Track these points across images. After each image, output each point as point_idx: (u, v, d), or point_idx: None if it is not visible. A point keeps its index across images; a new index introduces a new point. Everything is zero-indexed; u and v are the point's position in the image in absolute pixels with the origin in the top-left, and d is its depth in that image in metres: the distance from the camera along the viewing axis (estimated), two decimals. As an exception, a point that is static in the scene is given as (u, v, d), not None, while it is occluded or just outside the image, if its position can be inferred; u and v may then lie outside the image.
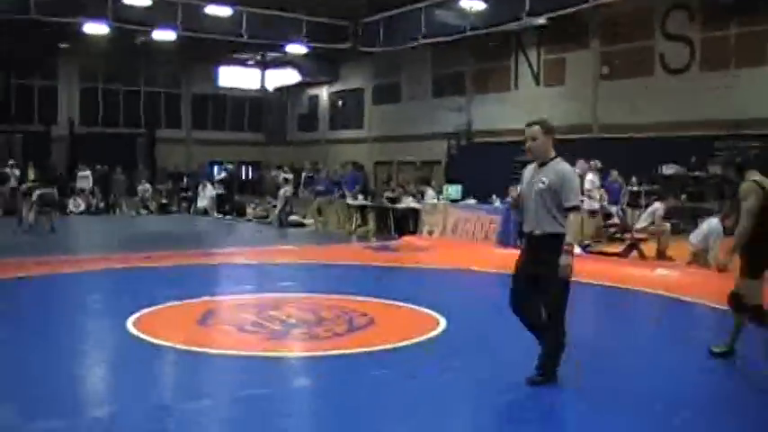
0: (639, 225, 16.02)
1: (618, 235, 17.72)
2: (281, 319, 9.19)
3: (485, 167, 24.86)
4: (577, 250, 16.13)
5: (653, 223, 15.49)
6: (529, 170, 6.64)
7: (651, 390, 6.53)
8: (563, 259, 6.21)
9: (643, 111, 22.85)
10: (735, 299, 7.45)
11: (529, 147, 6.57)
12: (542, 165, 6.50)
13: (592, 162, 17.90)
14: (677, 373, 7.20)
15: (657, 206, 15.76)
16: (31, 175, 28.43)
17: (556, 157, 6.52)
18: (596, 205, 17.57)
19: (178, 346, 7.82)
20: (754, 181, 7.33)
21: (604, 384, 6.72)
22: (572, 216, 6.31)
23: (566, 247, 6.23)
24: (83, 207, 28.30)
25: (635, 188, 21.01)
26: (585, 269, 13.88)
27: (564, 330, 6.51)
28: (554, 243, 6.27)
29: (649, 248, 15.42)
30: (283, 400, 6.33)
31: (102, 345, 8.34)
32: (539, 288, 6.45)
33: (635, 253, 15.45)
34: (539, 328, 6.60)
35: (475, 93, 29.86)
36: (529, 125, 6.64)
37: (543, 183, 6.38)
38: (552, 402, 6.24)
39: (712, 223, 13.82)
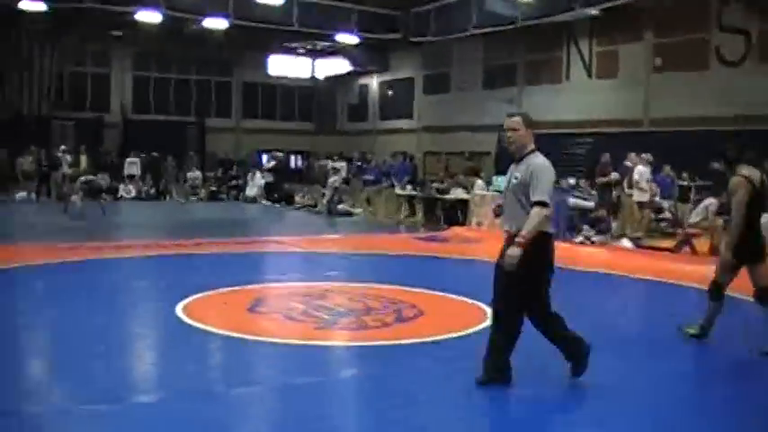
0: (692, 220, 15.78)
1: (670, 230, 17.49)
2: (330, 308, 9.19)
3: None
4: (628, 244, 16.11)
5: (706, 218, 15.25)
6: (511, 167, 6.41)
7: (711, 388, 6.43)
8: (511, 250, 5.91)
9: (697, 104, 22.47)
10: (715, 287, 7.79)
11: (509, 138, 6.34)
12: (520, 160, 6.25)
13: (643, 155, 17.69)
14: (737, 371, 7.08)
15: (711, 201, 15.49)
16: (83, 161, 28.84)
17: (533, 151, 6.24)
18: (645, 198, 17.32)
19: (227, 333, 7.85)
20: (743, 175, 7.56)
21: (651, 385, 6.62)
22: (535, 210, 5.93)
23: (518, 239, 5.90)
24: (134, 193, 28.63)
25: (686, 183, 20.67)
26: (636, 264, 13.80)
27: (512, 325, 6.24)
28: (533, 241, 5.96)
29: (702, 244, 15.18)
30: (331, 388, 6.33)
31: (152, 330, 8.42)
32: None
33: (687, 248, 15.23)
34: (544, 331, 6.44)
35: (526, 84, 29.60)
36: (510, 116, 6.48)
37: (516, 178, 6.17)
38: (596, 399, 6.15)
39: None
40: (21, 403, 5.69)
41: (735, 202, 7.55)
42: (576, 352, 6.34)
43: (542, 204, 5.93)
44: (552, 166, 6.19)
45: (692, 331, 8.03)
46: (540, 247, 6.00)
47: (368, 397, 6.21)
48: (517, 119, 6.35)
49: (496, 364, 6.22)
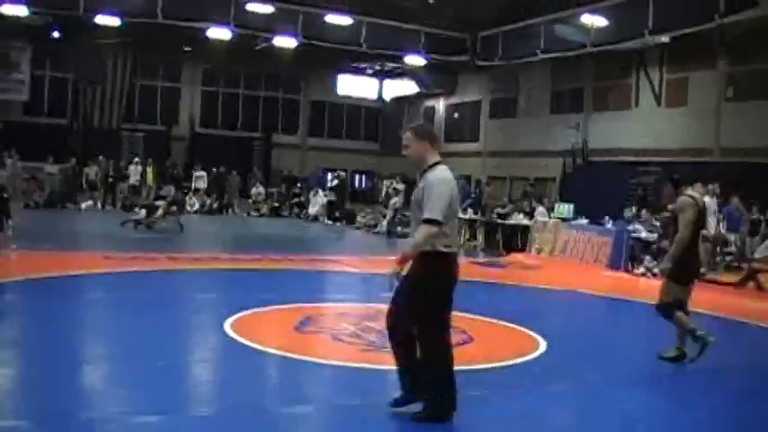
0: (758, 255, 15.35)
1: (735, 264, 17.06)
2: (379, 330, 9.07)
3: (599, 187, 24.30)
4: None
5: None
6: None
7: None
8: (389, 264, 5.66)
9: (767, 135, 21.92)
10: (666, 308, 8.19)
11: (405, 153, 6.00)
12: (421, 175, 5.90)
13: (710, 186, 17.23)
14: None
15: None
16: (150, 173, 29.30)
17: (434, 165, 5.85)
18: (710, 231, 16.83)
19: (274, 351, 7.80)
20: (689, 195, 8.22)
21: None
22: (421, 228, 5.58)
23: (398, 256, 5.68)
24: (197, 206, 28.93)
25: (756, 216, 20.06)
26: (698, 298, 13.43)
27: (438, 359, 5.86)
28: (422, 260, 5.65)
29: (768, 280, 14.77)
30: (374, 413, 6.20)
31: (201, 345, 8.41)
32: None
33: (752, 284, 14.81)
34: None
35: (593, 110, 29.25)
36: (405, 130, 6.07)
37: (415, 194, 5.86)
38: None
39: None
40: (75, 409, 5.75)
41: (684, 220, 8.08)
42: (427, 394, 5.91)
43: (431, 222, 5.56)
44: (450, 180, 5.79)
45: (668, 355, 8.27)
46: (431, 267, 5.67)
47: (410, 423, 6.08)
48: (408, 133, 5.97)
49: (407, 384, 5.96)
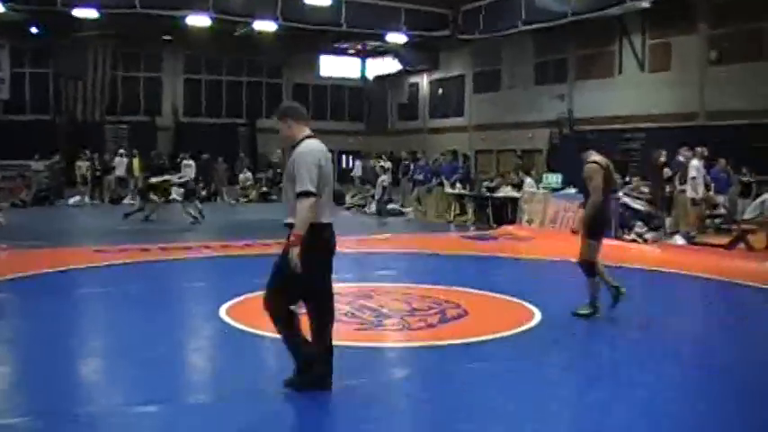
0: (747, 216, 15.40)
1: (724, 226, 17.12)
2: (374, 308, 9.11)
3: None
4: (681, 241, 15.78)
5: (761, 214, 14.88)
6: None
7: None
8: (291, 252, 5.62)
9: (754, 97, 21.93)
10: (591, 267, 8.70)
11: (280, 141, 6.14)
12: (291, 151, 5.93)
13: (697, 149, 17.27)
14: None
15: (766, 197, 15.16)
16: (137, 164, 29.20)
17: (303, 139, 5.89)
18: (699, 193, 16.86)
19: (269, 335, 7.79)
20: (594, 161, 8.70)
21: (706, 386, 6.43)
22: (299, 203, 5.61)
23: (291, 239, 5.65)
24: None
25: (747, 178, 20.09)
26: (689, 261, 13.52)
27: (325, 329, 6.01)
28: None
29: (758, 240, 14.81)
30: (374, 391, 6.23)
31: (197, 333, 8.41)
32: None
33: (742, 245, 14.86)
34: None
35: (577, 80, 29.24)
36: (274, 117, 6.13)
37: (286, 170, 5.91)
38: (651, 398, 5.96)
39: None
40: (73, 404, 5.76)
41: (592, 186, 8.64)
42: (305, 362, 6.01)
43: (305, 194, 5.59)
44: (316, 149, 5.82)
45: (583, 312, 8.66)
46: (308, 240, 5.67)
47: (412, 400, 6.12)
48: (275, 120, 6.06)
49: (301, 361, 6.00)
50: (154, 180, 21.24)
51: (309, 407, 5.90)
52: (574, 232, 9.10)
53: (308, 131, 5.98)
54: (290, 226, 5.73)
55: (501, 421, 5.53)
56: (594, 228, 8.79)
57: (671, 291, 11.74)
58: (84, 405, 5.78)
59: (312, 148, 5.80)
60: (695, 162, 16.86)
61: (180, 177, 21.63)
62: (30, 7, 26.91)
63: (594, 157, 8.83)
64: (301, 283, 5.79)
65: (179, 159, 28.90)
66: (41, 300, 9.76)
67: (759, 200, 15.38)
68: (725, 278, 11.85)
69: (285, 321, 6.02)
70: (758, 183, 19.44)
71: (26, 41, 31.19)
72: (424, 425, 5.54)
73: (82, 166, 28.43)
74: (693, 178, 16.61)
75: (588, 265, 8.76)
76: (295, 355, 6.02)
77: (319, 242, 5.80)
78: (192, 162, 29.41)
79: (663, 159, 17.95)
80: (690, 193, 16.69)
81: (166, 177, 21.33)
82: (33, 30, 29.99)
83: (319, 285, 5.96)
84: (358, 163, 36.82)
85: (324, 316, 6.03)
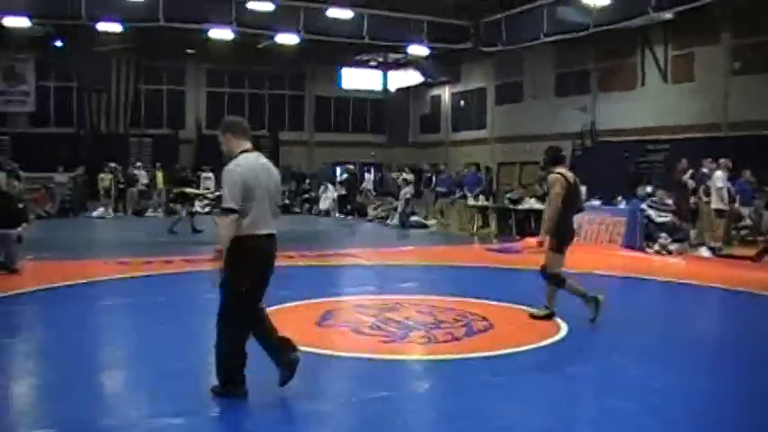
0: (768, 228, 15.31)
1: (750, 238, 16.98)
2: (399, 321, 9.07)
3: (610, 168, 24.25)
4: (706, 253, 15.66)
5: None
6: None
7: None
8: (212, 266, 5.83)
9: (778, 107, 21.79)
10: (554, 277, 9.03)
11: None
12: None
13: (721, 160, 17.15)
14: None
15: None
16: (160, 177, 29.33)
17: (239, 154, 6.00)
18: (723, 205, 16.73)
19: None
20: (558, 173, 9.01)
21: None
22: (220, 219, 5.86)
23: (214, 254, 5.83)
24: (208, 208, 28.94)
25: (771, 189, 19.89)
26: (714, 273, 13.40)
27: (228, 340, 6.07)
28: (231, 246, 5.80)
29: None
30: (400, 404, 6.20)
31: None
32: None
33: (769, 257, 14.75)
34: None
35: (599, 91, 29.16)
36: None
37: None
38: (681, 411, 5.90)
39: None
40: (97, 415, 5.76)
41: (552, 195, 9.00)
42: (281, 359, 6.17)
43: (225, 211, 5.77)
44: (246, 165, 5.89)
45: (540, 313, 9.12)
46: (236, 251, 5.80)
47: (437, 413, 6.08)
48: (218, 133, 6.15)
49: (226, 375, 6.10)
50: (188, 190, 21.29)
51: (334, 419, 5.89)
52: (540, 244, 9.24)
53: (246, 146, 6.08)
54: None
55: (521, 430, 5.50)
56: (558, 242, 9.03)
57: (697, 303, 11.64)
58: (109, 416, 5.77)
59: (238, 164, 5.89)
60: (719, 173, 16.76)
61: (213, 192, 21.62)
62: (54, 21, 27.18)
63: (560, 169, 9.18)
64: (234, 291, 5.94)
65: (200, 172, 29.04)
66: (66, 311, 9.79)
67: None
68: (752, 290, 11.73)
69: (256, 326, 6.21)
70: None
71: (51, 55, 31.50)
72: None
73: (105, 178, 28.57)
74: (719, 189, 16.49)
75: (550, 276, 9.08)
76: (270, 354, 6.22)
77: (252, 253, 5.91)
78: (211, 175, 29.51)
79: (687, 171, 17.82)
80: (715, 204, 16.57)
81: (201, 191, 21.38)
82: (58, 43, 30.26)
83: (244, 296, 6.02)
84: (368, 176, 36.81)
85: (241, 322, 6.10)
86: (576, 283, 9.20)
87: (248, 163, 5.93)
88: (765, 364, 7.55)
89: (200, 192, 21.56)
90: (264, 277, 6.10)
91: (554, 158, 9.47)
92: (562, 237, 9.05)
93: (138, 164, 30.06)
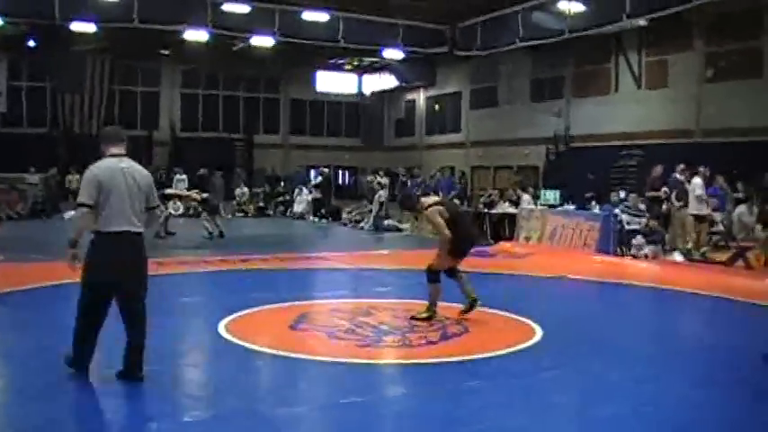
0: (737, 235, 15.43)
1: (722, 243, 17.10)
2: (374, 325, 9.06)
3: (584, 172, 24.37)
4: (680, 257, 15.75)
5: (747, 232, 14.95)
6: None
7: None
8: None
9: (750, 114, 21.97)
10: (434, 274, 9.35)
11: None
12: None
13: (701, 168, 17.25)
14: None
15: (742, 210, 15.30)
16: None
17: (105, 158, 6.67)
18: (704, 210, 16.81)
19: (269, 351, 7.76)
20: (430, 204, 9.49)
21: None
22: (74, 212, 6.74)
23: (70, 240, 6.42)
24: (182, 209, 28.72)
25: (742, 195, 20.05)
26: (687, 278, 13.49)
27: (78, 326, 6.62)
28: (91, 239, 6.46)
29: (758, 257, 14.80)
30: (376, 409, 6.19)
31: (194, 347, 8.34)
32: None
33: (741, 262, 14.86)
34: None
35: (574, 96, 29.29)
36: None
37: None
38: (655, 414, 5.92)
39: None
40: (71, 419, 5.76)
41: (436, 224, 9.29)
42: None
43: (78, 205, 6.42)
44: (102, 166, 6.53)
45: (423, 315, 9.23)
46: (91, 245, 6.44)
47: (412, 418, 6.06)
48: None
49: (75, 355, 6.64)
50: (167, 191, 21.14)
51: (308, 424, 5.87)
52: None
53: (113, 151, 6.68)
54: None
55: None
56: (455, 249, 9.36)
57: (672, 308, 11.70)
58: (82, 421, 5.72)
59: (99, 167, 6.51)
60: (698, 180, 16.82)
61: (198, 193, 21.38)
62: (27, 20, 26.90)
63: (429, 200, 9.79)
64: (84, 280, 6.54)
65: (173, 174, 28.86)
66: (38, 313, 9.70)
67: (735, 215, 15.49)
68: (725, 295, 11.80)
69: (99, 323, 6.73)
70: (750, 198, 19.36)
71: (24, 55, 31.23)
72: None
73: (73, 180, 28.32)
74: (698, 196, 16.58)
75: (432, 274, 9.36)
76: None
77: (100, 249, 6.44)
78: (184, 177, 29.33)
79: (662, 179, 17.90)
80: (693, 210, 16.65)
81: (187, 193, 21.20)
82: (31, 43, 29.99)
83: (90, 288, 6.56)
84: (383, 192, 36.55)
85: (85, 313, 6.63)
86: (467, 282, 9.62)
87: (105, 165, 6.53)
88: (740, 366, 7.59)
89: (186, 193, 21.30)
90: (119, 274, 6.52)
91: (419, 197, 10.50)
92: (459, 246, 9.43)
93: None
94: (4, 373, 7.15)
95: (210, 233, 19.91)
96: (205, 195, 21.14)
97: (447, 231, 9.13)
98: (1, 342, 8.23)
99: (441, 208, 9.38)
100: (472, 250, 10.00)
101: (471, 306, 9.43)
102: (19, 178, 27.85)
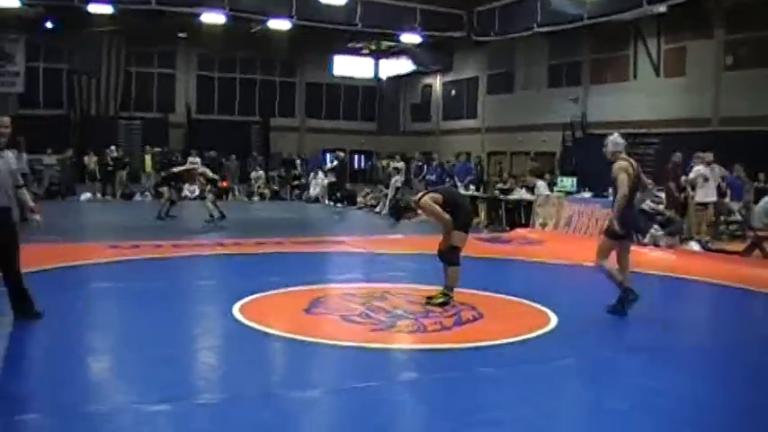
0: (756, 224, 15.27)
1: (739, 233, 16.98)
2: (388, 310, 9.05)
3: (600, 160, 24.18)
4: (696, 247, 15.66)
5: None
6: None
7: None
8: None
9: (768, 103, 21.77)
10: (451, 252, 9.37)
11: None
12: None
13: (700, 153, 17.08)
14: None
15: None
16: (149, 160, 29.19)
17: None
18: (703, 198, 16.62)
19: (283, 334, 7.77)
20: (425, 192, 9.78)
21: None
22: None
23: None
24: (197, 192, 28.81)
25: (761, 185, 19.91)
26: (702, 267, 13.41)
27: None
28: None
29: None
30: (388, 394, 6.17)
31: (209, 331, 8.35)
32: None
33: (757, 252, 14.74)
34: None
35: (591, 83, 29.12)
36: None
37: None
38: (667, 404, 5.88)
39: None
40: (85, 401, 5.73)
41: (434, 213, 9.41)
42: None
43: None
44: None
45: (438, 300, 9.24)
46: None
47: (424, 403, 6.05)
48: (5, 119, 8.42)
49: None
50: (176, 170, 21.07)
51: (321, 407, 5.87)
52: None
53: None
54: None
55: (514, 426, 5.46)
56: (465, 226, 9.56)
57: (687, 298, 11.67)
58: (96, 402, 5.74)
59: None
60: (699, 167, 16.68)
61: (211, 172, 21.23)
62: (45, 2, 26.98)
63: (417, 196, 10.01)
64: None
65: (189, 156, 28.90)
66: (54, 295, 9.70)
67: (761, 206, 15.27)
68: (742, 285, 11.74)
69: None
70: (769, 188, 19.26)
71: (41, 36, 31.23)
72: (436, 430, 5.46)
73: (90, 162, 28.41)
74: (691, 180, 16.47)
75: (451, 256, 9.38)
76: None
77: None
78: (197, 160, 29.38)
79: (681, 165, 17.75)
80: (698, 198, 16.55)
81: (190, 167, 20.87)
82: (48, 25, 30.01)
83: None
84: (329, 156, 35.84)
85: None
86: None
87: None
88: (757, 359, 7.55)
89: (190, 167, 20.85)
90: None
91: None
92: (461, 223, 9.48)
93: (112, 147, 29.46)
94: (16, 353, 7.16)
95: (212, 216, 19.78)
96: (215, 176, 21.04)
97: (446, 216, 9.25)
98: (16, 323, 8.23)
99: (432, 195, 9.53)
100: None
101: (445, 301, 9.32)
102: (36, 160, 27.97)
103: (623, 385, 6.47)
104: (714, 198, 16.84)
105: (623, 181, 9.34)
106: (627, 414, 5.76)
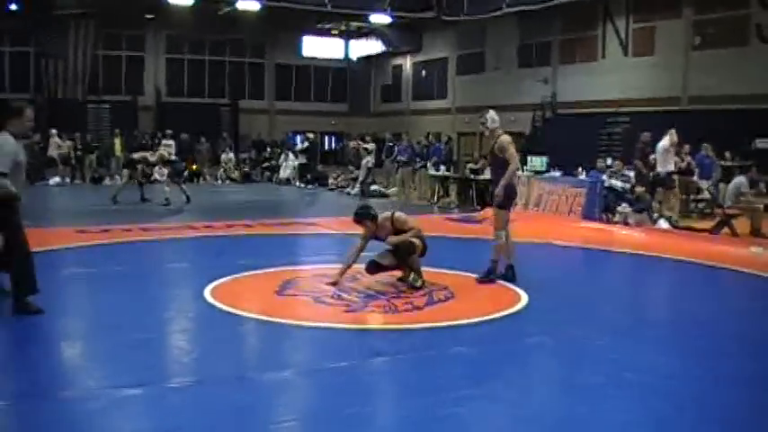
0: (727, 203, 15.43)
1: (708, 211, 17.14)
2: (360, 290, 9.06)
3: (570, 139, 24.36)
4: (665, 225, 15.79)
5: (741, 198, 14.96)
6: None
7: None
8: None
9: (736, 83, 21.98)
10: (409, 246, 9.35)
11: None
12: None
13: (670, 131, 17.13)
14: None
15: (741, 180, 15.23)
16: (118, 144, 28.95)
17: None
18: (662, 168, 16.64)
19: (255, 316, 7.76)
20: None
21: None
22: None
23: None
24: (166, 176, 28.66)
25: (729, 163, 20.11)
26: (671, 245, 13.53)
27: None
28: None
29: (742, 225, 14.87)
30: (361, 374, 6.20)
31: (180, 314, 8.32)
32: None
33: (727, 229, 14.91)
34: None
35: (561, 63, 29.23)
36: None
37: None
38: (638, 381, 5.95)
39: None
40: (56, 386, 5.69)
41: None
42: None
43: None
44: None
45: (418, 284, 9.16)
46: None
47: (397, 382, 6.09)
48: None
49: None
50: (136, 156, 20.97)
51: (294, 388, 5.87)
52: None
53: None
54: None
55: (488, 404, 5.50)
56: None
57: (657, 275, 11.76)
58: (67, 387, 5.70)
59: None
60: (663, 141, 16.71)
61: (169, 154, 21.18)
62: (10, -16, 26.68)
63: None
64: None
65: (159, 138, 28.67)
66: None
67: (732, 185, 15.41)
68: (709, 262, 11.86)
69: None
70: (740, 167, 19.41)
71: (6, 20, 30.84)
72: (409, 408, 5.49)
73: (62, 146, 28.11)
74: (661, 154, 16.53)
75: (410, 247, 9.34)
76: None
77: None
78: (171, 142, 29.18)
79: (649, 144, 17.84)
80: (659, 169, 16.59)
81: (154, 155, 20.79)
82: (13, 7, 29.64)
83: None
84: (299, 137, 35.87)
85: None
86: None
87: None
88: (725, 332, 7.64)
89: (150, 155, 20.68)
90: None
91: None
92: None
93: (53, 131, 28.84)
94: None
95: (167, 199, 19.63)
96: (173, 158, 20.93)
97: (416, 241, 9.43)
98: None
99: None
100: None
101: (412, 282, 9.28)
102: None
103: (595, 361, 6.52)
104: (672, 168, 16.78)
105: (514, 154, 9.90)
106: (599, 389, 5.82)
